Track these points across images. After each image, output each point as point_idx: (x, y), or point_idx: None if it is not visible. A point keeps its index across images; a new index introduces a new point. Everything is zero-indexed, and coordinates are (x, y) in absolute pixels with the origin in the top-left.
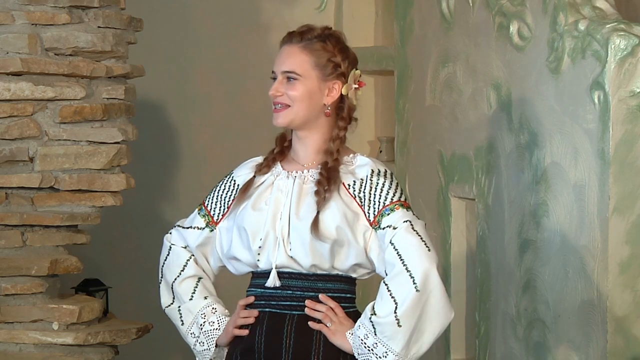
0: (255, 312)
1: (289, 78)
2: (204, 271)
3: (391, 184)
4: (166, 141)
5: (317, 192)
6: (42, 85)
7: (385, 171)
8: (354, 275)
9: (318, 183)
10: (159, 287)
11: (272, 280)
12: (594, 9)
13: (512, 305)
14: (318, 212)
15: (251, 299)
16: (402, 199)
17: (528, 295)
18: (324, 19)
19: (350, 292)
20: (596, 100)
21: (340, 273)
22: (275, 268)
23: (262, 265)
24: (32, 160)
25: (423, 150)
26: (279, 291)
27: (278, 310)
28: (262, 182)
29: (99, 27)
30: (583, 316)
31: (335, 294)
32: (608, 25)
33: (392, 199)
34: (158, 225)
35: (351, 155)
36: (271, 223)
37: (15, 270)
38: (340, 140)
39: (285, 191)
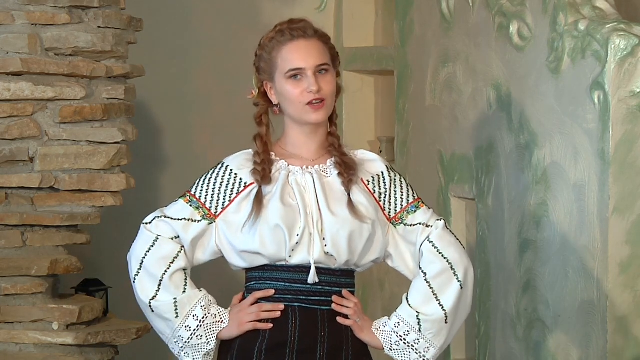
0: (281, 306)
1: (320, 71)
2: (188, 263)
3: (405, 180)
4: (166, 141)
5: (340, 174)
6: (42, 85)
7: (393, 167)
8: (360, 270)
9: (339, 165)
10: (135, 279)
11: (313, 277)
12: (594, 9)
13: (512, 305)
14: (349, 194)
15: (271, 292)
16: (418, 195)
17: (528, 295)
18: (324, 19)
19: (354, 285)
20: (596, 100)
21: (354, 268)
22: (314, 264)
23: (294, 261)
24: (32, 160)
25: (423, 150)
26: (309, 286)
27: (309, 305)
28: (275, 179)
29: (99, 27)
30: (583, 316)
31: (352, 289)
32: (608, 25)
33: (414, 196)
34: (172, 202)
35: (345, 147)
36: (304, 218)
37: (15, 270)
38: (336, 123)
39: (307, 187)
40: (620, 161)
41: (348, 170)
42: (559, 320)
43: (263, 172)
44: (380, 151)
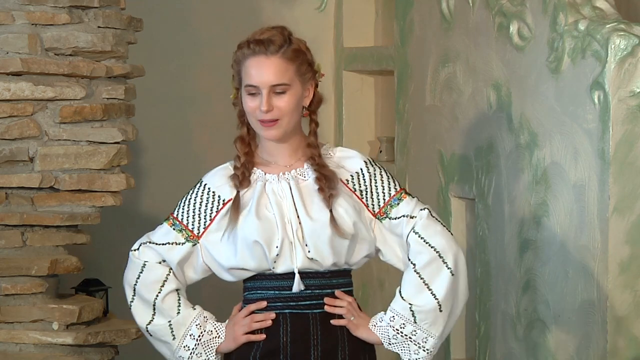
0: (272, 315)
1: (277, 91)
2: (180, 284)
3: (386, 173)
4: (166, 141)
5: (320, 190)
6: (42, 85)
7: (373, 160)
8: (355, 267)
9: (318, 180)
10: (131, 305)
11: (297, 285)
12: (594, 9)
13: (512, 305)
14: (331, 210)
15: (264, 304)
16: (400, 185)
17: (528, 295)
18: (324, 19)
19: (352, 284)
20: (596, 100)
21: (347, 267)
22: (298, 272)
23: (279, 270)
24: (32, 160)
25: (423, 150)
26: (297, 292)
27: (299, 311)
28: (251, 190)
29: (99, 27)
30: (583, 316)
31: (347, 288)
32: (608, 25)
33: (395, 188)
34: (158, 225)
35: (324, 146)
36: (282, 228)
37: (15, 270)
38: (316, 133)
39: (283, 195)
40: (620, 161)
41: (329, 185)
42: (559, 320)
43: (242, 176)
44: (380, 151)
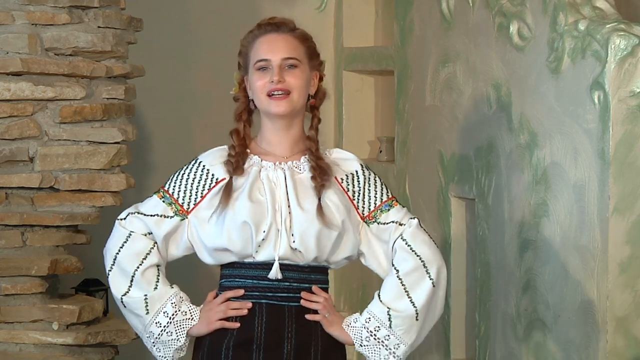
0: (248, 304)
1: (288, 65)
2: (162, 259)
3: (380, 179)
4: (166, 141)
5: (313, 178)
6: (42, 85)
7: (368, 166)
8: (333, 267)
9: (313, 169)
10: (109, 274)
11: (275, 273)
12: (594, 9)
13: (512, 305)
14: (319, 199)
15: (241, 292)
16: (392, 194)
17: (528, 295)
18: (324, 19)
19: (328, 281)
20: (596, 100)
21: (326, 265)
22: (278, 260)
23: (260, 257)
24: (32, 160)
25: (423, 150)
26: (276, 283)
27: (276, 302)
28: (245, 175)
29: (99, 27)
30: (583, 316)
31: (323, 285)
32: (608, 25)
33: (387, 195)
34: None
35: (321, 147)
36: (272, 214)
37: (15, 270)
38: (318, 128)
39: (277, 183)
40: (620, 161)
41: (322, 175)
42: (559, 320)
43: (236, 164)
44: (380, 151)
